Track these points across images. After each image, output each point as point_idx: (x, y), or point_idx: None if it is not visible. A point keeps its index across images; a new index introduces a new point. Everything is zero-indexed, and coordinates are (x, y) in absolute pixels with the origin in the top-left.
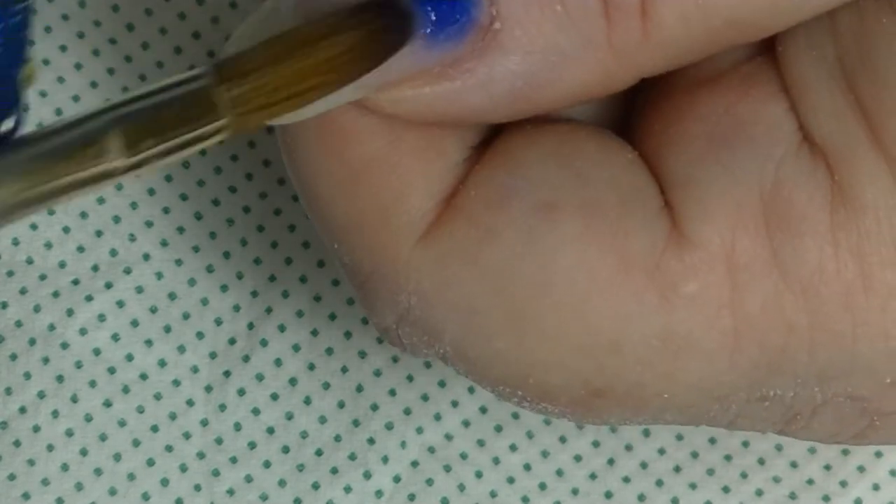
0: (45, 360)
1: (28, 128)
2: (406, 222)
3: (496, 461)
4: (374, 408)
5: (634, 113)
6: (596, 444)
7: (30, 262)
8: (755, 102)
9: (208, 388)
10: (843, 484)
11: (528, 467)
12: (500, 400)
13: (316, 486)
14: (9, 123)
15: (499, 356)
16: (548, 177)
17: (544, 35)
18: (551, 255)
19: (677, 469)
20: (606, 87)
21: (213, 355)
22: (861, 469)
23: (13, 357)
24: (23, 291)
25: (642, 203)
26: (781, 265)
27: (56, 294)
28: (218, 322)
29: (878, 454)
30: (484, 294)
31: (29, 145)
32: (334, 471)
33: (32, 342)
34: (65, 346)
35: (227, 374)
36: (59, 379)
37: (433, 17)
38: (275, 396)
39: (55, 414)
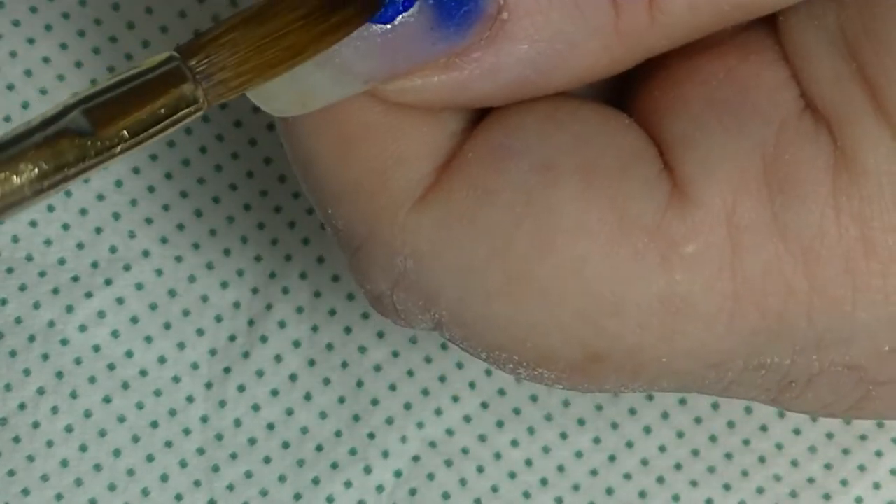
0: (45, 357)
1: None
2: (403, 186)
3: (497, 456)
4: (375, 403)
5: (632, 81)
6: (597, 440)
7: (29, 258)
8: (756, 67)
9: (208, 385)
10: (844, 483)
11: (529, 462)
12: (495, 369)
13: (316, 481)
14: None
15: (496, 319)
16: (546, 138)
17: (552, 24)
18: (550, 216)
19: (678, 466)
20: (611, 70)
21: (213, 352)
22: (862, 468)
23: (13, 353)
24: (22, 288)
25: (642, 164)
26: (782, 228)
27: (56, 291)
28: (218, 319)
29: (879, 453)
30: (482, 255)
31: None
32: (334, 466)
33: (32, 339)
34: (64, 342)
35: (227, 370)
36: (59, 375)
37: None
38: (275, 392)
39: (55, 410)
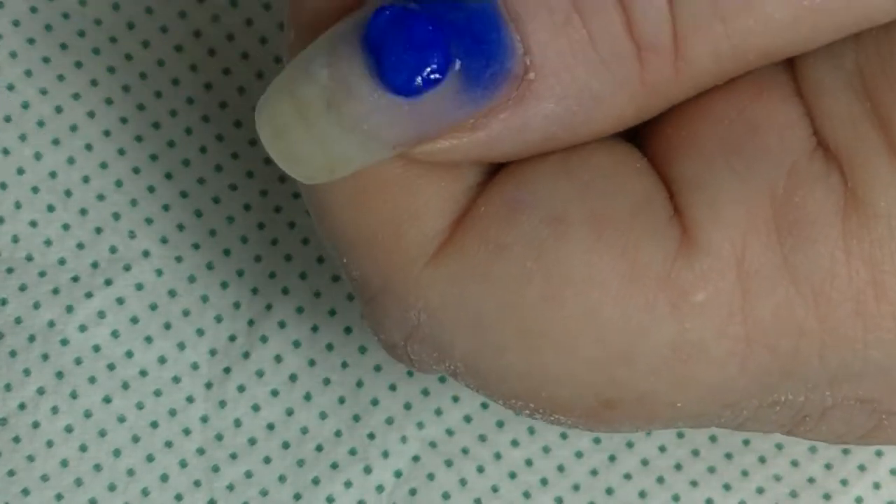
0: (45, 357)
1: (29, 124)
2: (418, 241)
3: (497, 456)
4: (375, 403)
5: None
6: (597, 440)
7: (29, 258)
8: (769, 106)
9: (208, 385)
10: (844, 482)
11: (529, 462)
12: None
13: (316, 482)
14: None
15: (510, 371)
16: (556, 190)
17: (578, 81)
18: (561, 269)
19: (678, 467)
20: (636, 121)
21: (213, 352)
22: (862, 468)
23: (13, 354)
24: (22, 288)
25: (652, 212)
26: (792, 271)
27: (56, 291)
28: (218, 319)
29: (879, 453)
30: (494, 309)
31: None
32: (334, 466)
33: (32, 339)
34: (64, 342)
35: (227, 370)
36: (59, 375)
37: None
38: (275, 392)
39: (54, 410)
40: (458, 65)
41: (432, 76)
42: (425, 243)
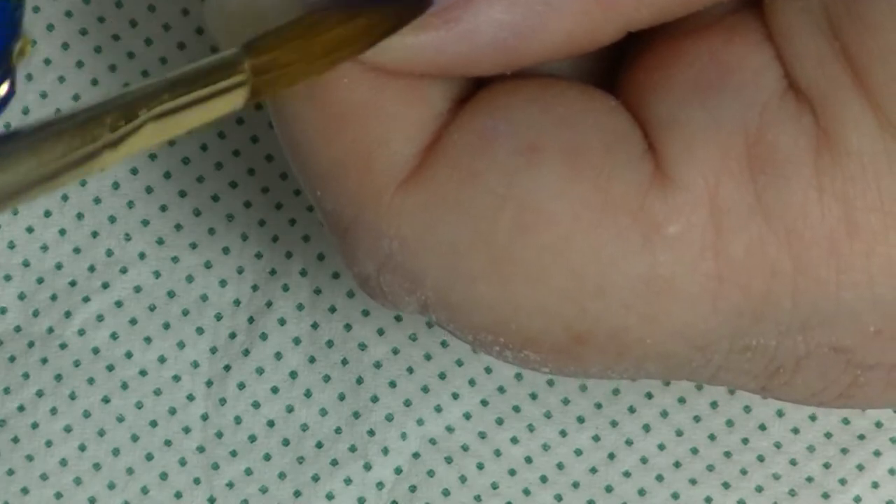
0: (44, 361)
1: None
2: (388, 167)
3: (497, 453)
4: (375, 400)
5: (618, 62)
6: (596, 438)
7: (26, 264)
8: (739, 49)
9: (208, 383)
10: (843, 482)
11: (529, 460)
12: (478, 352)
13: (316, 479)
14: (2, 89)
15: (481, 300)
16: (530, 120)
17: None
18: (533, 197)
19: (677, 464)
20: (592, 40)
21: (213, 350)
22: (860, 467)
23: (11, 359)
24: (21, 297)
25: (626, 146)
26: (765, 208)
27: (54, 297)
28: (218, 317)
29: (877, 453)
30: (467, 237)
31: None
32: (334, 463)
33: (31, 345)
34: (63, 346)
35: (227, 368)
36: (58, 378)
37: None
38: (275, 390)
39: (53, 411)
40: None
41: None
42: (395, 170)
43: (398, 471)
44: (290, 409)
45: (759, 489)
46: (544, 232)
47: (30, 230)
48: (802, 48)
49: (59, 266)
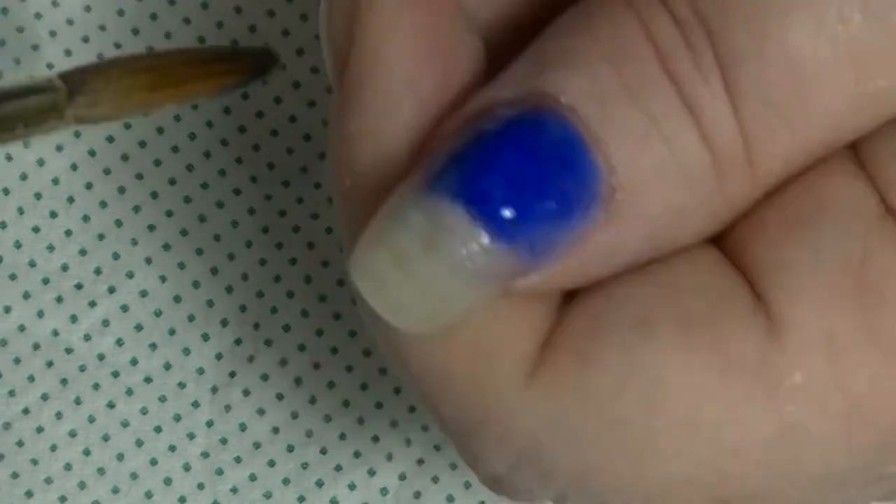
0: (49, 364)
1: None
2: (511, 368)
3: None
4: (379, 406)
5: None
6: None
7: (32, 264)
8: (833, 181)
9: (214, 390)
10: None
11: None
12: None
13: (320, 484)
14: None
15: (622, 482)
16: (638, 295)
17: (664, 196)
18: (655, 372)
19: None
20: (717, 231)
21: (218, 356)
22: None
23: (17, 360)
24: (26, 296)
25: (735, 302)
26: (881, 339)
27: (59, 299)
28: (224, 323)
29: None
30: (596, 424)
31: None
32: (338, 468)
33: (36, 347)
34: (69, 350)
35: (232, 374)
36: (63, 382)
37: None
38: (280, 396)
39: (58, 415)
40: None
41: (530, 210)
42: (518, 368)
43: (402, 477)
44: (294, 416)
45: None
46: (672, 405)
47: (36, 230)
48: (895, 171)
49: (64, 267)
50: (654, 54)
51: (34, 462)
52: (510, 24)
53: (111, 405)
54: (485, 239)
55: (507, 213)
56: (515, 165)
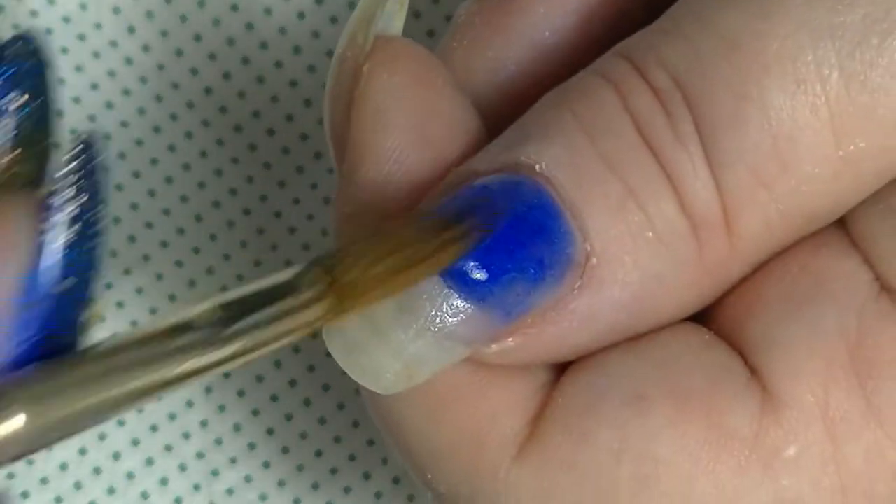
0: None
1: None
2: (500, 443)
3: None
4: None
5: None
6: None
7: None
8: (828, 258)
9: (208, 389)
10: None
11: None
12: None
13: (315, 487)
14: None
15: None
16: (631, 370)
17: (640, 262)
18: (649, 447)
19: None
20: (701, 303)
21: None
22: None
23: None
24: None
25: (729, 377)
26: (877, 413)
27: None
28: None
29: None
30: (589, 498)
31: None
32: (334, 471)
33: None
34: None
35: (226, 375)
36: None
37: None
38: (274, 398)
39: None
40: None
41: (503, 272)
42: (507, 444)
43: (396, 481)
44: (289, 418)
45: None
46: (665, 480)
47: None
48: (890, 249)
49: None
50: (632, 124)
51: (30, 463)
52: (513, 98)
53: None
54: (457, 300)
55: (480, 274)
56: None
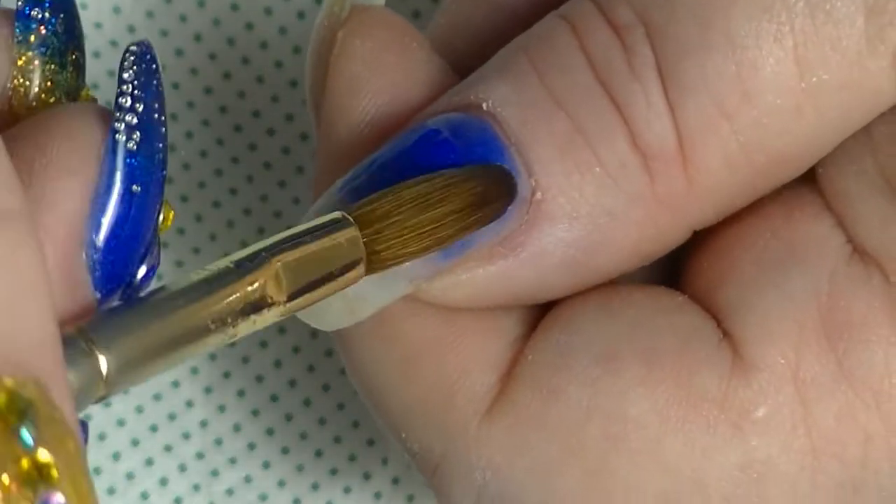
0: None
1: None
2: (471, 399)
3: None
4: None
5: (681, 258)
6: None
7: None
8: (800, 222)
9: (207, 390)
10: None
11: None
12: None
13: (315, 487)
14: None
15: None
16: (602, 330)
17: (587, 198)
18: (618, 405)
19: None
20: (660, 245)
21: (212, 356)
22: None
23: None
24: None
25: (700, 338)
26: (849, 374)
27: None
28: None
29: None
30: (559, 455)
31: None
32: (334, 472)
33: None
34: None
35: (226, 375)
36: None
37: None
38: (274, 398)
39: None
40: None
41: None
42: (478, 400)
43: (396, 481)
44: (289, 418)
45: None
46: (634, 437)
47: None
48: (864, 211)
49: None
50: (585, 61)
51: None
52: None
53: (106, 404)
54: None
55: None
56: (432, 163)
